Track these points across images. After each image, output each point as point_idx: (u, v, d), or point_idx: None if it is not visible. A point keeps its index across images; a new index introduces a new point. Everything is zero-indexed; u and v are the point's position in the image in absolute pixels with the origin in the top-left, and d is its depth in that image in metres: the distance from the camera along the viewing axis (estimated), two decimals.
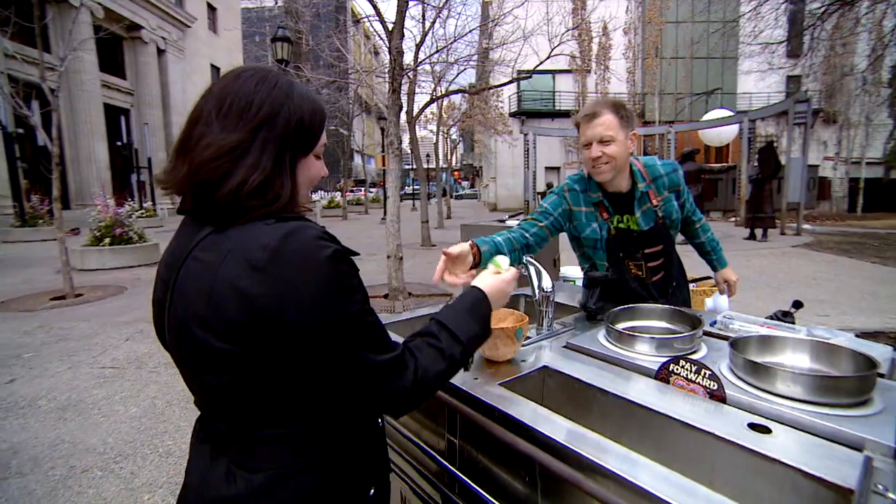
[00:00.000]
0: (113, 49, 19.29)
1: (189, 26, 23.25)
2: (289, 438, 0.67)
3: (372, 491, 0.76)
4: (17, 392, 3.20)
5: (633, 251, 1.58)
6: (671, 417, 0.87)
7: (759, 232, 10.17)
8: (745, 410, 0.88)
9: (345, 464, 0.72)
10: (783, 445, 0.76)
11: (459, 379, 1.06)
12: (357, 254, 0.77)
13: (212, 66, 25.88)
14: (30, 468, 2.34)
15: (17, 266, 8.21)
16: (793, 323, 1.53)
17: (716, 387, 0.92)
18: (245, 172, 0.64)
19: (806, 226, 11.96)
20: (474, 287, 0.89)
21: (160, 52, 21.45)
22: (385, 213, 11.59)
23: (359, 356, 0.64)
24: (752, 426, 0.81)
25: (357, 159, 41.49)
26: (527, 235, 1.50)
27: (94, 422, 2.79)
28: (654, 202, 1.56)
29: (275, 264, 0.60)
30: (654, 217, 1.56)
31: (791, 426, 0.81)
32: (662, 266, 1.64)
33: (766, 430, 0.80)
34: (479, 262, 1.24)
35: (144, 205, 15.98)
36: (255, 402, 0.65)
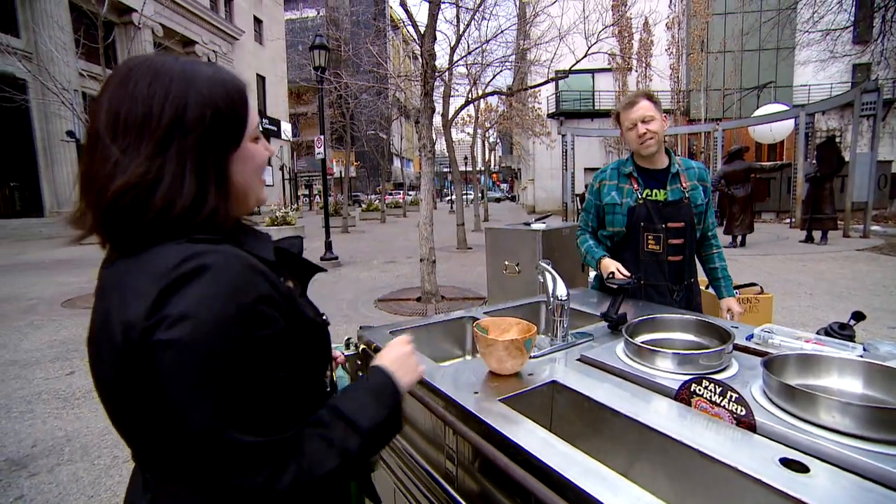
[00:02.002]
0: None
1: (237, 39, 24.42)
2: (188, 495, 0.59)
3: None
4: (75, 384, 3.42)
5: (655, 221, 1.78)
6: (689, 446, 0.76)
7: (817, 234, 9.42)
8: (778, 442, 0.75)
9: None
10: (823, 488, 0.64)
11: (457, 393, 0.99)
12: (319, 269, 0.70)
13: (258, 75, 27.05)
14: (80, 456, 2.49)
15: (86, 266, 8.83)
16: (851, 338, 1.35)
17: (743, 412, 0.80)
18: (164, 198, 0.55)
19: (875, 227, 10.95)
20: (374, 365, 0.74)
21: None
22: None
23: (220, 431, 0.51)
24: (786, 462, 0.70)
25: (396, 163, 42.11)
26: (594, 235, 1.97)
27: None
28: (684, 184, 1.81)
29: (165, 294, 0.52)
30: (682, 195, 1.80)
31: (833, 464, 0.69)
32: (682, 249, 1.80)
33: (803, 469, 0.68)
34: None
35: None
36: (150, 443, 0.58)
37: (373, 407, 0.66)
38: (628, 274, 1.68)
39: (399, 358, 0.75)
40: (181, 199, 0.56)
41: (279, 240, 0.75)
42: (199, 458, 0.53)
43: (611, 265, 1.73)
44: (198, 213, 0.58)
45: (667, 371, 1.02)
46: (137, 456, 0.62)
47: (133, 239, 0.57)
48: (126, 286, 0.55)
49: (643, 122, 1.75)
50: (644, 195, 1.81)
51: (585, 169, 21.43)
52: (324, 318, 0.72)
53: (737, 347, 1.15)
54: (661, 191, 1.80)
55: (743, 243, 9.33)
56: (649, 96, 1.78)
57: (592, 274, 2.96)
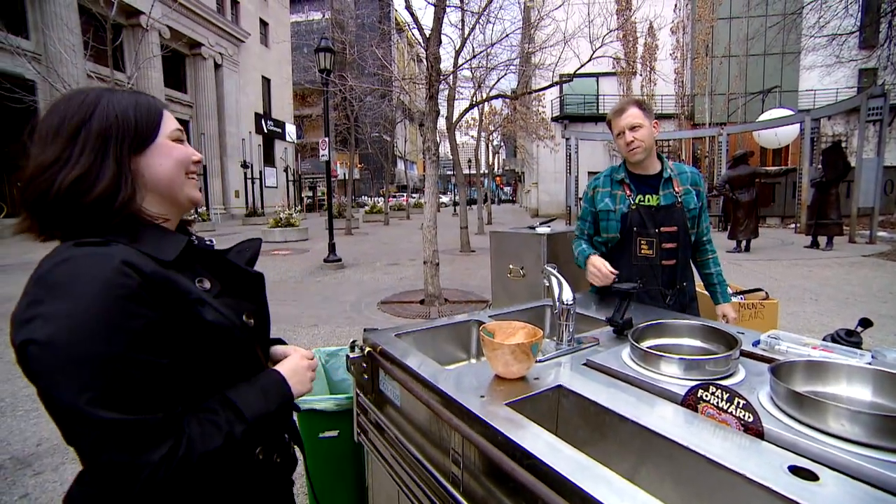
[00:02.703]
0: (176, 65, 20.69)
1: (243, 41, 24.57)
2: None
3: None
4: None
5: (648, 227, 1.79)
6: (696, 452, 0.76)
7: (822, 240, 9.38)
8: (787, 449, 0.75)
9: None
10: (833, 497, 0.64)
11: (462, 396, 0.99)
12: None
13: (263, 77, 27.19)
14: None
15: None
16: (858, 345, 1.34)
17: (751, 419, 0.80)
18: (69, 177, 0.65)
19: (881, 233, 10.88)
20: (272, 370, 0.82)
21: (217, 66, 22.78)
22: None
23: (82, 409, 0.56)
24: (795, 470, 0.69)
25: (400, 165, 42.18)
26: (589, 240, 1.97)
27: None
28: (677, 189, 1.83)
29: (35, 289, 0.60)
30: (674, 200, 1.81)
31: (843, 473, 0.68)
32: (675, 253, 1.81)
33: (812, 477, 0.68)
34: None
35: (199, 209, 16.94)
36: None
37: (261, 401, 0.74)
38: (613, 271, 1.71)
39: (297, 369, 0.85)
40: (96, 186, 0.65)
41: (239, 243, 0.87)
42: (71, 438, 0.59)
43: (596, 261, 1.75)
44: (114, 199, 0.67)
45: (673, 376, 1.01)
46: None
47: (45, 223, 0.67)
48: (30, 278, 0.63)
49: (631, 129, 1.76)
50: (637, 201, 1.82)
51: (589, 172, 21.34)
52: (242, 321, 0.78)
53: (743, 353, 1.14)
54: (654, 196, 1.82)
55: (747, 248, 9.29)
56: (639, 103, 1.79)
57: None
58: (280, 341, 0.98)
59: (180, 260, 0.72)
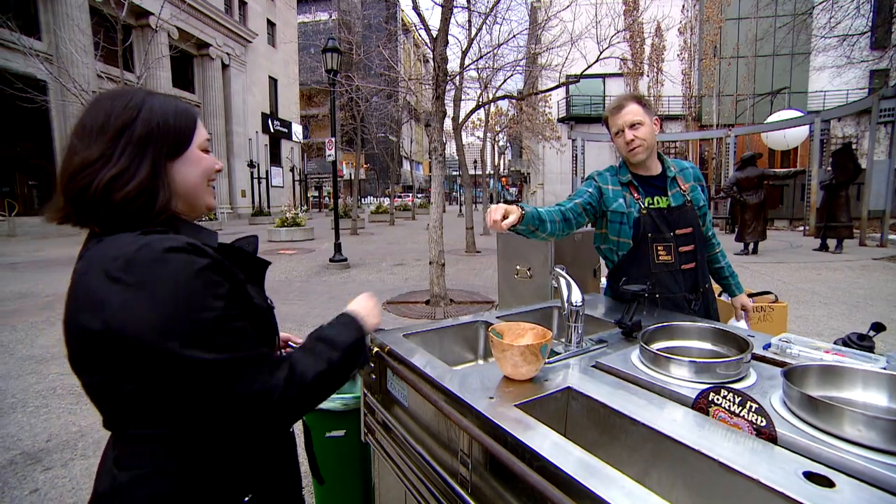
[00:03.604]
0: (184, 65, 20.85)
1: (251, 42, 24.72)
2: (153, 440, 0.69)
3: (247, 497, 0.77)
4: None
5: (663, 231, 1.67)
6: (708, 456, 0.76)
7: (832, 242, 9.28)
8: (801, 455, 0.74)
9: (213, 469, 0.73)
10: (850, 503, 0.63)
11: (471, 397, 0.99)
12: (249, 257, 0.83)
13: (270, 77, 27.33)
14: (93, 451, 2.52)
15: None
16: (871, 349, 1.33)
17: (764, 423, 0.79)
18: (108, 175, 0.68)
19: (892, 236, 10.75)
20: (344, 311, 0.93)
21: (224, 66, 22.94)
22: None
23: (221, 362, 0.65)
24: (810, 476, 0.68)
25: (406, 165, 42.25)
26: (563, 210, 1.64)
27: None
28: (683, 187, 1.73)
29: (126, 274, 0.63)
30: (684, 200, 1.71)
31: (859, 479, 0.67)
32: (694, 255, 1.70)
33: (828, 483, 0.67)
34: (521, 221, 1.39)
35: None
36: (121, 401, 0.68)
37: (345, 333, 0.85)
38: (500, 219, 1.32)
39: (366, 305, 0.96)
40: (132, 183, 0.69)
41: (237, 239, 0.91)
42: (207, 393, 0.65)
43: (499, 205, 1.35)
44: (154, 202, 0.71)
45: (683, 379, 1.01)
46: (108, 418, 0.72)
47: (83, 215, 0.70)
48: (94, 267, 0.66)
49: (630, 127, 1.64)
50: (647, 204, 1.69)
51: None
52: (269, 302, 0.88)
53: (754, 357, 1.13)
54: (663, 197, 1.70)
55: (755, 251, 9.21)
56: (638, 99, 1.67)
57: (604, 280, 2.94)
58: None
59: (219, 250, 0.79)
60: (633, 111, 1.63)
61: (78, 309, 0.66)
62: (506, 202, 1.58)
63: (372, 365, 1.38)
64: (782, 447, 0.77)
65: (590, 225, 1.87)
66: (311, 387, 0.73)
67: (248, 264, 0.86)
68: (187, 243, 0.67)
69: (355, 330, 0.88)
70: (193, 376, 0.64)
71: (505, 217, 1.32)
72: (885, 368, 0.96)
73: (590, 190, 1.74)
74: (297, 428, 0.97)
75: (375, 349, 1.36)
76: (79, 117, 0.73)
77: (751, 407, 0.81)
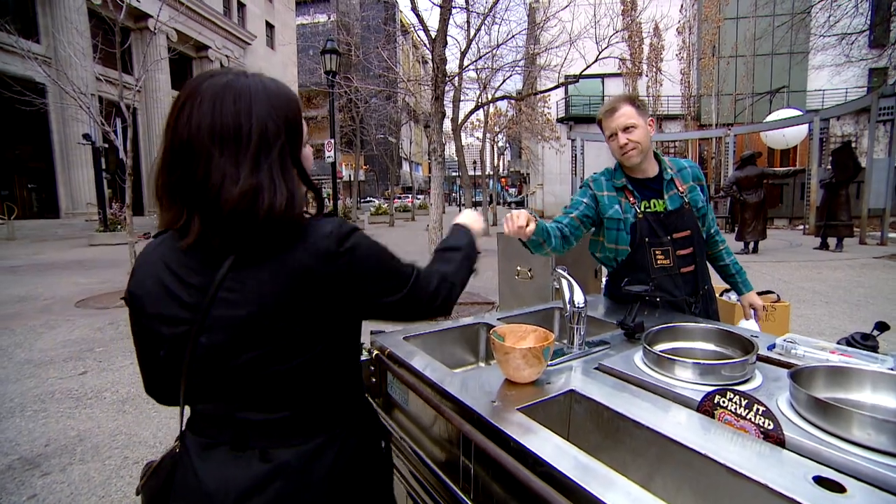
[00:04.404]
0: (183, 67, 20.85)
1: (249, 44, 24.73)
2: (320, 414, 0.78)
3: (383, 444, 0.91)
4: (87, 384, 3.46)
5: (660, 235, 1.65)
6: (714, 460, 0.74)
7: (832, 241, 9.27)
8: (810, 459, 0.73)
9: (362, 427, 0.85)
10: None
11: (473, 401, 0.97)
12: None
13: None
14: (91, 456, 2.50)
15: (99, 267, 8.97)
16: (874, 349, 1.31)
17: (771, 426, 0.78)
18: (269, 199, 0.68)
19: (893, 234, 10.74)
20: (453, 223, 1.09)
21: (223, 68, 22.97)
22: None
23: (408, 281, 0.82)
24: (820, 480, 0.67)
25: (405, 167, 42.23)
26: (561, 227, 1.65)
27: (148, 416, 2.95)
28: (681, 189, 1.69)
29: (342, 245, 0.72)
30: (681, 202, 1.68)
31: (871, 484, 0.66)
32: (693, 258, 1.68)
33: (839, 488, 0.65)
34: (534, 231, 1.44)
35: None
36: (314, 380, 0.76)
37: (462, 238, 1.01)
38: (522, 225, 1.36)
39: (470, 215, 1.10)
40: (278, 201, 0.69)
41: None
42: (407, 295, 0.81)
43: (518, 210, 1.40)
44: (294, 208, 0.72)
45: (688, 381, 0.99)
46: (296, 404, 0.76)
47: (249, 237, 0.69)
48: (302, 253, 0.71)
49: (624, 130, 1.60)
50: (643, 208, 1.66)
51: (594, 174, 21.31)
52: None
53: (758, 358, 1.12)
54: (660, 200, 1.66)
55: (755, 250, 9.20)
56: (632, 101, 1.63)
57: (605, 281, 2.93)
58: None
59: None
60: (626, 114, 1.60)
61: (281, 302, 0.70)
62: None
63: (372, 368, 1.36)
64: (790, 451, 0.75)
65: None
66: (457, 282, 0.91)
67: None
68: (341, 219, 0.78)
69: (466, 234, 1.03)
70: (400, 286, 0.80)
71: (528, 223, 1.37)
72: (892, 369, 0.95)
73: (585, 200, 1.72)
74: None
75: (375, 352, 1.34)
76: (193, 117, 0.67)
77: (757, 409, 0.80)
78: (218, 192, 0.66)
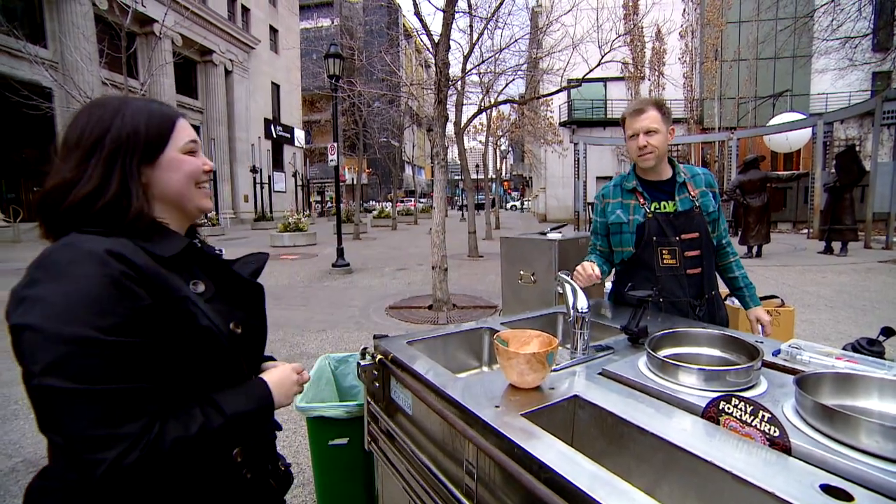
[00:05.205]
0: (187, 72, 20.98)
1: (253, 48, 24.87)
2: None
3: None
4: None
5: (668, 235, 1.68)
6: (719, 467, 0.74)
7: (836, 245, 9.22)
8: (816, 466, 0.72)
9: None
10: None
11: (477, 406, 0.97)
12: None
13: (272, 83, 27.48)
14: None
15: None
16: (881, 355, 1.31)
17: (777, 433, 0.77)
18: (80, 195, 0.70)
19: None
20: (258, 378, 0.84)
21: (227, 72, 23.07)
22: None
23: (65, 385, 0.59)
24: (827, 489, 0.66)
25: (408, 170, 42.33)
26: (605, 254, 1.87)
27: None
28: (692, 193, 1.72)
29: (34, 269, 0.65)
30: (692, 205, 1.71)
31: (879, 493, 0.65)
32: (700, 260, 1.70)
33: (847, 497, 0.65)
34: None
35: (208, 214, 17.08)
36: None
37: (241, 401, 0.76)
38: (598, 275, 1.62)
39: (283, 380, 0.86)
40: (103, 198, 0.71)
41: (246, 255, 0.92)
42: (47, 416, 0.62)
43: (585, 263, 1.66)
44: (126, 211, 0.72)
45: (692, 387, 0.99)
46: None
47: (54, 227, 0.72)
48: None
49: (646, 133, 1.65)
50: (653, 208, 1.71)
51: (597, 178, 21.31)
52: (229, 329, 0.79)
53: (764, 364, 1.11)
54: (670, 202, 1.71)
55: (759, 254, 9.16)
56: (659, 106, 1.67)
57: (609, 285, 2.92)
58: (270, 358, 0.98)
59: (179, 260, 0.76)
60: (651, 117, 1.64)
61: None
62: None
63: (375, 373, 1.36)
64: (797, 458, 0.75)
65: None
66: (166, 454, 0.64)
67: (229, 280, 0.83)
68: (105, 250, 0.65)
69: (255, 400, 0.79)
70: (37, 396, 0.63)
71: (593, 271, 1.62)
72: None
73: (600, 219, 1.86)
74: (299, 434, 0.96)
75: (379, 356, 1.34)
76: (63, 132, 0.76)
77: (763, 416, 0.79)
78: (43, 186, 0.74)
